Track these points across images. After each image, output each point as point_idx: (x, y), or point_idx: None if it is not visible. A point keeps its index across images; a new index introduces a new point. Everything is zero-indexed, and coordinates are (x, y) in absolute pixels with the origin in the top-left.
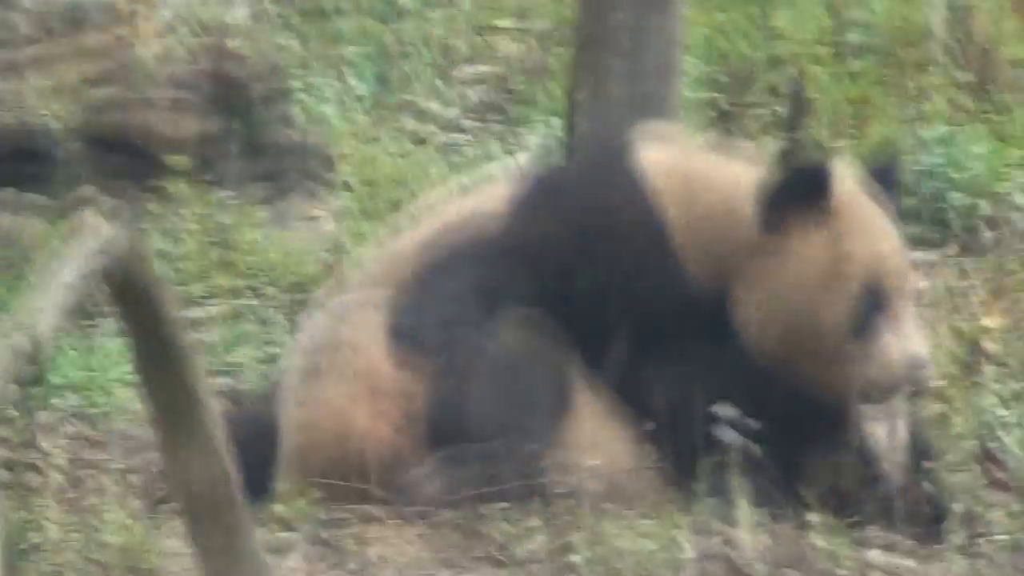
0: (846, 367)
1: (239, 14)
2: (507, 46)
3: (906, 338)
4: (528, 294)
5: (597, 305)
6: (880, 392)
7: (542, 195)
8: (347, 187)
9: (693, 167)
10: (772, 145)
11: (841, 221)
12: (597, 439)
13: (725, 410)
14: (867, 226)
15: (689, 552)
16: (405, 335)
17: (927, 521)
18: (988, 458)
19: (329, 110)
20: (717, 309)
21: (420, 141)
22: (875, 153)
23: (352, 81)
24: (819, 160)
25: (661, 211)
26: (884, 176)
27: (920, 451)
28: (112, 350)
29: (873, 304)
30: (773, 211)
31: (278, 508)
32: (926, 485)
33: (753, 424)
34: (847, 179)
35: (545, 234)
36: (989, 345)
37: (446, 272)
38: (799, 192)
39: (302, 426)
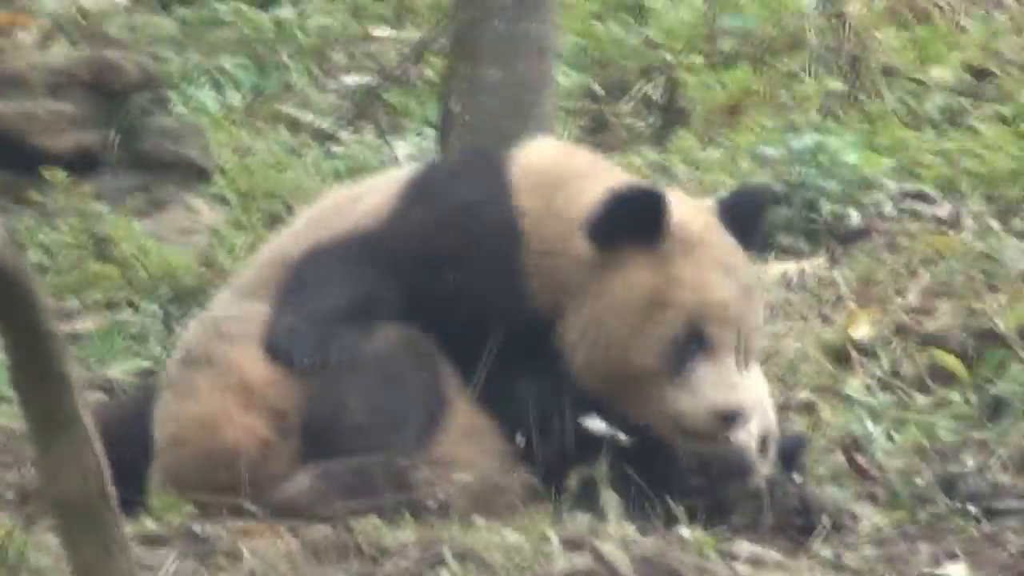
0: (660, 407)
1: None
2: (382, 56)
3: (722, 386)
4: (401, 300)
5: (460, 311)
6: (693, 438)
7: (413, 198)
8: (223, 200)
9: (559, 176)
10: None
11: (673, 254)
12: (467, 452)
13: (595, 423)
14: (701, 263)
15: (561, 564)
16: (278, 346)
17: (796, 531)
18: (854, 448)
19: (206, 121)
20: (551, 327)
21: (295, 152)
22: (742, 185)
23: (229, 91)
24: (651, 187)
25: (519, 218)
26: (749, 207)
27: (788, 461)
28: None
29: (694, 346)
30: (602, 234)
31: (149, 523)
32: (794, 495)
33: (622, 438)
34: (697, 212)
35: (414, 236)
36: (855, 353)
37: (320, 280)
38: (627, 218)
39: (174, 438)
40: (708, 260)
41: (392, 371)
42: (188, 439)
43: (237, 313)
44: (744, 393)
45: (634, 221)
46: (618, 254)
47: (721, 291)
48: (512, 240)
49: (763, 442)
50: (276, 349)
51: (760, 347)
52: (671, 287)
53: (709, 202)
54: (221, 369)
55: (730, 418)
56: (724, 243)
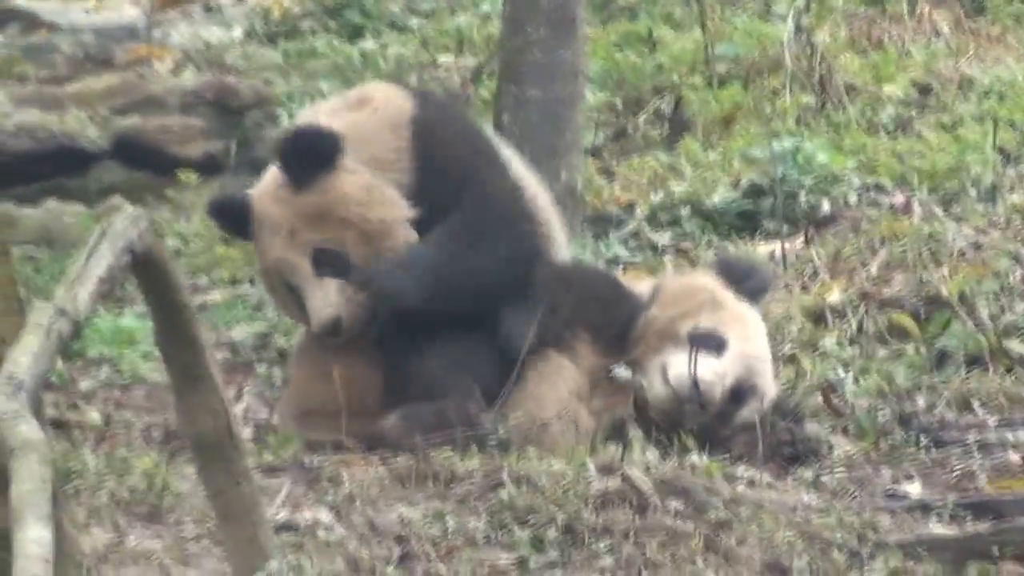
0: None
1: (235, 34)
2: (446, 79)
3: None
4: None
5: None
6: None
7: None
8: None
9: None
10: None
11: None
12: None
13: (621, 371)
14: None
15: (596, 486)
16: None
17: (784, 459)
18: (830, 390)
19: None
20: None
21: None
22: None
23: None
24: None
25: None
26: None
27: (779, 405)
28: (136, 330)
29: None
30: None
31: (267, 456)
32: (784, 430)
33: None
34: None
35: None
36: (829, 315)
37: None
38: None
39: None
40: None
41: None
42: (311, 389)
43: None
44: None
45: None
46: None
47: None
48: None
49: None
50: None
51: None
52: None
53: None
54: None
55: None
56: None
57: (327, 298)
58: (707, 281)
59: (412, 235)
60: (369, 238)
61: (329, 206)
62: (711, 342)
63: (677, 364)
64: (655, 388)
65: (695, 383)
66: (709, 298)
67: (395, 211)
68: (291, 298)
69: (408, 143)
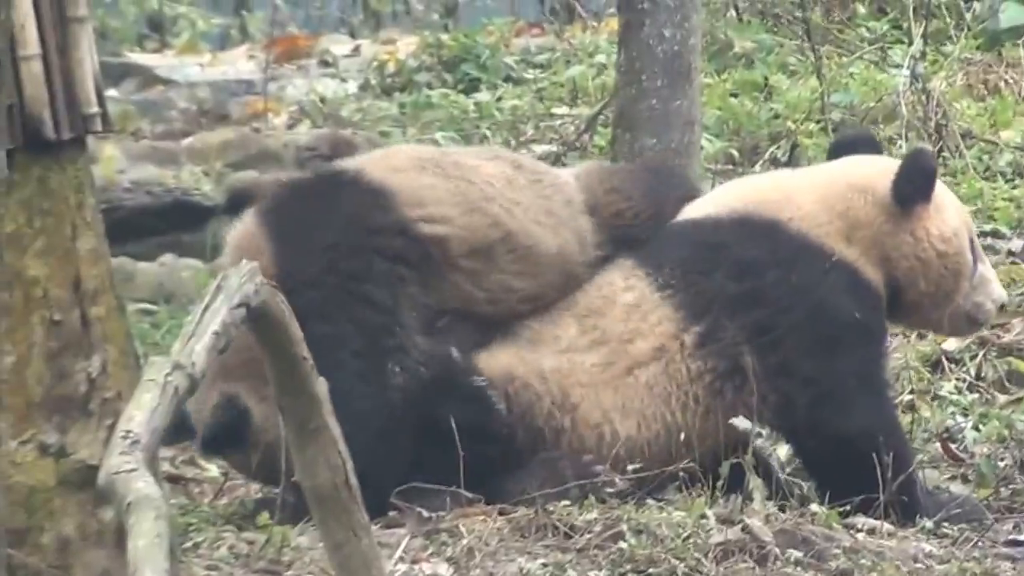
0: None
1: (350, 88)
2: (562, 129)
3: (996, 281)
4: None
5: None
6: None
7: None
8: None
9: None
10: None
11: None
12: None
13: (742, 422)
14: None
15: (716, 537)
16: None
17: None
18: (948, 438)
19: None
20: None
21: None
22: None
23: None
24: None
25: None
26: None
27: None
28: None
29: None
30: None
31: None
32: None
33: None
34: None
35: None
36: (946, 362)
37: None
38: None
39: None
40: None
41: None
42: None
43: None
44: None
45: None
46: None
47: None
48: None
49: None
50: None
51: None
52: None
53: None
54: None
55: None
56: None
57: None
58: None
59: None
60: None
61: None
62: None
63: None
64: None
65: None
66: None
67: None
68: None
69: None
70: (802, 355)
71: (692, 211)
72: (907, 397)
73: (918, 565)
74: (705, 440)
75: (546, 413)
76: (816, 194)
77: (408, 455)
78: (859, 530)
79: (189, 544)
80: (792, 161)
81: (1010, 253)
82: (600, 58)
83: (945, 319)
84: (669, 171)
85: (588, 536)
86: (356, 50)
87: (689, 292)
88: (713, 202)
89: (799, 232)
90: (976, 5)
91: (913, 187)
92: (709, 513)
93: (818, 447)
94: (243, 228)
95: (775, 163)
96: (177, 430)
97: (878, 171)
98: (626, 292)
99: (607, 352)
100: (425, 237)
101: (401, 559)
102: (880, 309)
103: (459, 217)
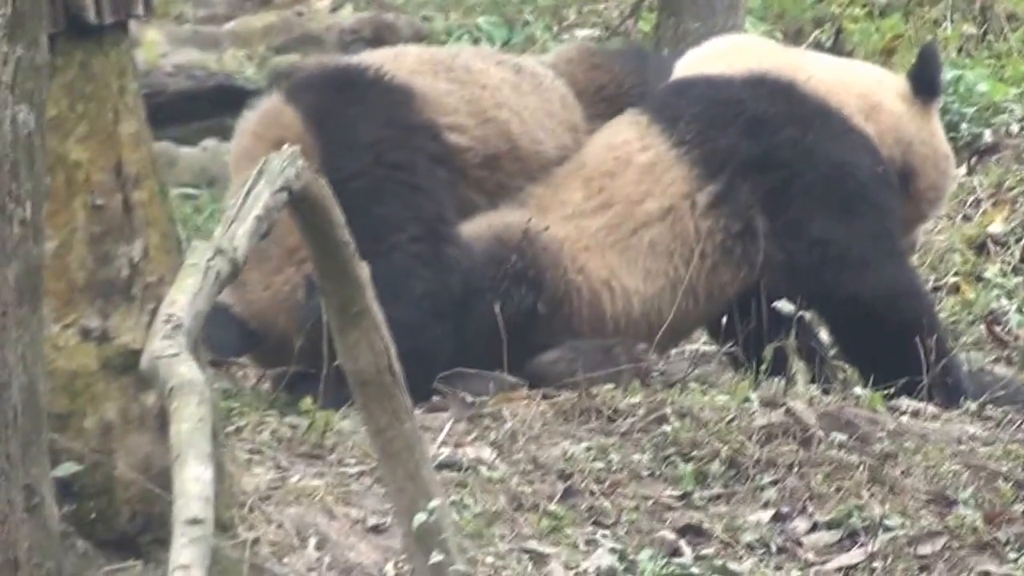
0: None
1: None
2: (606, 13)
3: None
4: None
5: None
6: None
7: None
8: None
9: None
10: None
11: None
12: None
13: (785, 305)
14: None
15: (760, 419)
16: None
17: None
18: (993, 321)
19: None
20: None
21: None
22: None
23: (484, 44)
24: None
25: None
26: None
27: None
28: None
29: None
30: None
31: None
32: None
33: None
34: None
35: None
36: (991, 245)
37: None
38: None
39: None
40: None
41: None
42: None
43: None
44: None
45: None
46: None
47: None
48: None
49: None
50: None
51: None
52: None
53: None
54: None
55: None
56: None
57: None
58: None
59: None
60: None
61: None
62: None
63: None
64: None
65: None
66: None
67: None
68: None
69: None
70: (812, 216)
71: (703, 68)
72: (952, 280)
73: (962, 447)
74: (713, 295)
75: (562, 278)
76: (833, 73)
77: (456, 341)
78: (903, 413)
79: (232, 428)
80: (836, 47)
81: None
82: None
83: (920, 231)
84: (651, 52)
85: (631, 420)
86: None
87: (704, 148)
88: (726, 61)
89: (816, 93)
90: None
91: (931, 79)
92: (752, 396)
93: (836, 312)
94: (273, 111)
95: (819, 48)
96: (242, 339)
97: (882, 72)
98: (642, 152)
99: (612, 215)
100: (450, 145)
101: (444, 443)
102: (895, 186)
103: (474, 128)
